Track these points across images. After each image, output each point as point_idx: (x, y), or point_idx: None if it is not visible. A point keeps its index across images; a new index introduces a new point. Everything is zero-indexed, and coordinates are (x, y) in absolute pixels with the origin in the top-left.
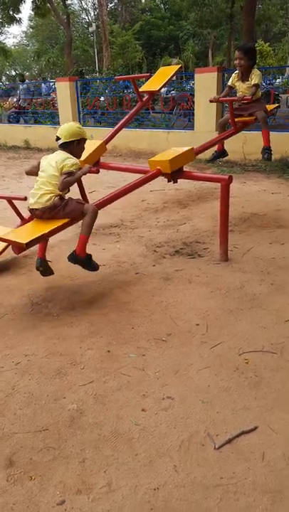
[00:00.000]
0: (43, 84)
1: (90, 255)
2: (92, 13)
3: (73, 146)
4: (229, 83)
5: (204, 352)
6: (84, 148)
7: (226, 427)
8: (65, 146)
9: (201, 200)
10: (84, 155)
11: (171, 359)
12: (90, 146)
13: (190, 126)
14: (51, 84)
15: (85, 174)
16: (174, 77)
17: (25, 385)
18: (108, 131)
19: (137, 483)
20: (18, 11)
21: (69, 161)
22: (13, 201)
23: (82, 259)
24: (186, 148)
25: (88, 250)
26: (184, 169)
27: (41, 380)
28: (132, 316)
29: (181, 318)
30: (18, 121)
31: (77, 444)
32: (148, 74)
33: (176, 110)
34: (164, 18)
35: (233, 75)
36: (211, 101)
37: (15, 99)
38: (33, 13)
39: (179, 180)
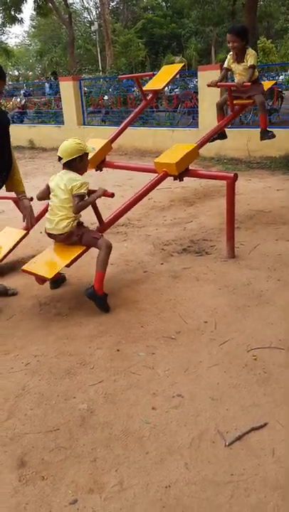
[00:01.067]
0: (46, 84)
1: (106, 295)
2: (94, 12)
3: (76, 163)
4: (225, 65)
5: (213, 349)
6: (88, 162)
7: (236, 424)
8: (69, 165)
9: (207, 197)
10: (90, 154)
11: (180, 357)
12: (96, 145)
13: (194, 124)
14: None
15: (99, 197)
16: (178, 75)
17: (35, 385)
18: (112, 130)
19: (148, 481)
20: (20, 11)
21: (77, 182)
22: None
23: (99, 296)
24: (189, 146)
25: (95, 249)
26: (190, 167)
27: (51, 380)
28: (140, 315)
29: (189, 315)
30: (21, 121)
31: (89, 443)
32: (151, 73)
33: (180, 108)
34: (166, 16)
35: (228, 56)
36: (208, 85)
37: (18, 99)
38: (34, 12)
39: (184, 178)
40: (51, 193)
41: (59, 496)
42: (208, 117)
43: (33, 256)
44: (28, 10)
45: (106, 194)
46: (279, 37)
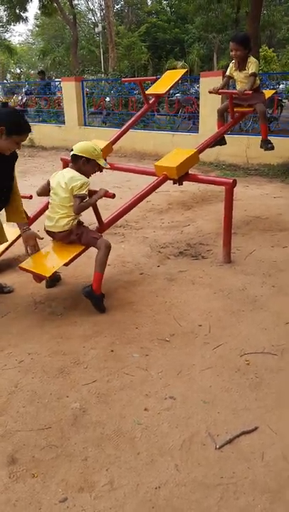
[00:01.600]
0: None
1: (103, 295)
2: (99, 14)
3: (81, 162)
4: (227, 73)
5: (206, 353)
6: (95, 171)
7: (227, 427)
8: (74, 160)
9: (205, 202)
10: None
11: (174, 359)
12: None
13: (194, 129)
14: (57, 83)
15: (100, 198)
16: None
17: (28, 383)
18: (113, 131)
19: (138, 481)
20: (25, 10)
21: (78, 181)
22: None
23: (97, 296)
24: (190, 151)
25: (93, 249)
26: (189, 172)
27: (44, 378)
28: (135, 316)
29: (184, 318)
30: None
31: (80, 442)
32: (155, 77)
33: (181, 113)
34: (170, 21)
35: (231, 64)
36: (210, 92)
37: (20, 97)
38: (39, 12)
39: (183, 182)
40: (52, 191)
41: (49, 493)
42: (208, 123)
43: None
44: (32, 9)
45: (107, 195)
46: (281, 46)
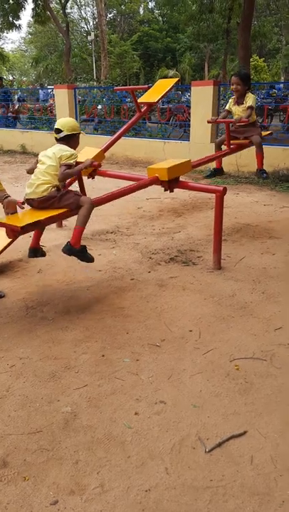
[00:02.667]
0: (40, 91)
1: (84, 246)
2: (92, 23)
3: (73, 139)
4: (226, 107)
5: (197, 358)
6: (78, 143)
7: (217, 431)
8: (66, 139)
9: (195, 209)
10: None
11: (164, 364)
12: (89, 154)
13: (186, 137)
14: (49, 90)
15: (86, 168)
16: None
17: (19, 387)
18: (105, 138)
19: (129, 484)
20: (18, 18)
21: (67, 152)
22: None
23: (77, 250)
24: (183, 159)
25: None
26: (180, 179)
27: (36, 382)
28: (126, 322)
29: (175, 324)
30: (15, 126)
31: (71, 446)
32: (147, 86)
33: (173, 121)
34: (162, 30)
35: (230, 100)
36: (209, 122)
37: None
38: (32, 20)
39: (174, 189)
40: (38, 163)
41: (40, 496)
42: (199, 131)
43: (21, 260)
44: (26, 16)
45: (93, 165)
46: (271, 56)
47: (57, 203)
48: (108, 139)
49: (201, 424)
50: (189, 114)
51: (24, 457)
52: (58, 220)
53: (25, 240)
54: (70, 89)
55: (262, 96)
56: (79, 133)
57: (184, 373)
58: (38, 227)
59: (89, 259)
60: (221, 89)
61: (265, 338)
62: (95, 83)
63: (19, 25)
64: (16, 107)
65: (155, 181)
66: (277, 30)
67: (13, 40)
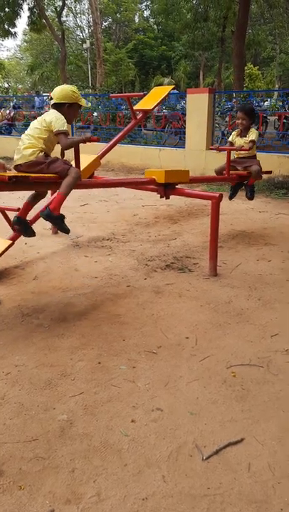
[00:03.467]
0: (36, 98)
1: (62, 215)
2: (87, 31)
3: (64, 108)
4: (229, 139)
5: (193, 365)
6: (77, 115)
7: (214, 439)
8: (57, 108)
9: (191, 216)
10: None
11: (161, 371)
12: (85, 160)
13: (181, 144)
14: (45, 97)
15: (86, 141)
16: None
17: (15, 395)
18: (100, 146)
19: (126, 493)
20: (14, 26)
21: (60, 120)
22: (6, 212)
23: (56, 216)
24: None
25: (80, 262)
26: (176, 186)
27: (31, 390)
28: (123, 329)
29: (171, 331)
30: (10, 133)
31: (67, 454)
32: (142, 93)
33: (168, 128)
34: (157, 39)
35: (234, 132)
36: (211, 148)
37: (7, 111)
38: (28, 27)
39: (170, 196)
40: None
41: (36, 505)
42: (194, 138)
43: (17, 267)
44: (21, 24)
45: (92, 139)
46: (265, 64)
47: (45, 169)
48: (104, 146)
49: (198, 431)
50: (184, 121)
51: (20, 466)
52: (46, 185)
53: (22, 249)
54: None
55: (256, 104)
56: (75, 103)
57: (180, 380)
58: (26, 186)
59: (65, 229)
60: (216, 96)
61: (262, 344)
62: (90, 90)
63: (15, 32)
64: (12, 114)
65: (152, 182)
66: (271, 39)
67: (8, 48)
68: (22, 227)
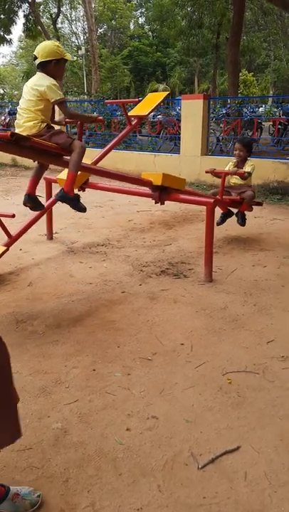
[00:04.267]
0: None
1: (78, 195)
2: (82, 37)
3: (51, 66)
4: (226, 169)
5: (189, 371)
6: (64, 71)
7: (210, 447)
8: (43, 67)
9: (186, 221)
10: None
11: (156, 378)
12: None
13: (176, 150)
14: None
15: (91, 121)
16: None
17: None
18: (95, 151)
19: (120, 503)
20: (9, 32)
21: (53, 87)
22: (0, 218)
23: (71, 197)
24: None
25: (75, 268)
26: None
27: (25, 398)
28: (117, 335)
29: (166, 337)
30: None
31: (61, 463)
32: (137, 99)
33: (163, 134)
34: (152, 45)
35: (230, 163)
36: (206, 172)
37: (3, 118)
38: (23, 34)
39: (165, 202)
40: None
41: None
42: (189, 144)
43: (12, 273)
44: (17, 31)
45: (98, 120)
46: (260, 71)
47: (47, 140)
48: (99, 151)
49: (194, 439)
50: (179, 127)
51: (13, 475)
52: (46, 156)
53: (16, 255)
54: None
55: (251, 110)
56: (61, 59)
57: (175, 387)
58: (27, 151)
59: (81, 208)
60: (211, 102)
61: (258, 351)
62: (85, 97)
63: (10, 39)
64: (7, 121)
65: (149, 184)
66: (265, 46)
67: (4, 55)
68: (32, 203)
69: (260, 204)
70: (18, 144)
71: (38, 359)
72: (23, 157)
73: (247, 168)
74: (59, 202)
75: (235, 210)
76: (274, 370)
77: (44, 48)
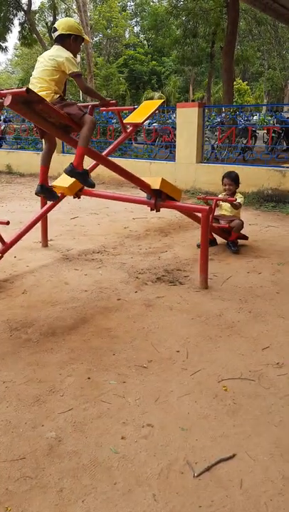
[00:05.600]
0: None
1: (87, 170)
2: None
3: (70, 41)
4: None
5: (184, 379)
6: (79, 50)
7: (205, 455)
8: (62, 40)
9: (181, 229)
10: (69, 182)
11: (151, 386)
12: None
13: (171, 157)
14: None
15: (106, 104)
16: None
17: (2, 412)
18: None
19: None
20: (5, 40)
21: (72, 60)
22: None
23: (80, 172)
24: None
25: (70, 276)
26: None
27: (19, 407)
28: (113, 343)
29: (162, 344)
30: (0, 146)
31: (55, 473)
32: (132, 107)
33: (158, 142)
34: (147, 54)
35: (220, 195)
36: (198, 198)
37: None
38: (19, 42)
39: (161, 209)
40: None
41: None
42: (184, 152)
43: (6, 280)
44: (12, 39)
45: (111, 103)
46: (254, 80)
47: (60, 109)
48: None
49: (189, 447)
50: (175, 135)
51: (6, 486)
52: (55, 126)
53: (11, 262)
54: None
55: (245, 118)
56: (78, 35)
57: (171, 395)
58: (39, 118)
59: (90, 183)
60: (206, 110)
61: (253, 358)
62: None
63: (6, 47)
64: (2, 128)
65: (148, 187)
66: (259, 55)
67: None
68: (46, 193)
69: (245, 238)
70: (30, 106)
71: (33, 367)
72: (32, 121)
73: (238, 200)
74: (54, 209)
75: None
76: (269, 377)
77: (67, 22)
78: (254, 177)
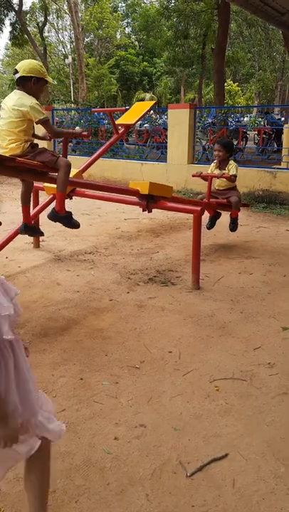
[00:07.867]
0: None
1: (70, 213)
2: (69, 46)
3: (31, 84)
4: (208, 171)
5: (177, 379)
6: (43, 92)
7: (198, 455)
8: (23, 83)
9: (173, 229)
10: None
11: (144, 386)
12: None
13: (163, 158)
14: None
15: (76, 136)
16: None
17: None
18: (82, 159)
19: None
20: None
21: (36, 107)
22: None
23: (63, 215)
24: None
25: (62, 276)
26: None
27: None
28: (105, 343)
29: (154, 345)
30: None
31: None
32: (124, 108)
33: (150, 143)
34: (139, 55)
35: (212, 164)
36: (193, 175)
37: None
38: (10, 42)
39: (152, 210)
40: (1, 115)
41: None
42: (176, 153)
43: None
44: (3, 39)
45: (82, 135)
46: (245, 81)
47: (32, 159)
48: (86, 159)
49: (182, 447)
50: (166, 136)
51: None
52: (31, 174)
53: (2, 262)
54: (48, 110)
55: (236, 119)
56: (41, 78)
57: (163, 395)
58: (14, 171)
59: (75, 225)
60: (197, 112)
61: (245, 358)
62: (72, 105)
63: None
64: None
65: (136, 193)
66: (250, 57)
67: None
68: (30, 232)
69: (246, 205)
70: (3, 165)
71: None
72: (9, 176)
73: (232, 171)
74: (46, 210)
75: (223, 212)
76: (261, 377)
77: (28, 64)
78: (245, 178)
